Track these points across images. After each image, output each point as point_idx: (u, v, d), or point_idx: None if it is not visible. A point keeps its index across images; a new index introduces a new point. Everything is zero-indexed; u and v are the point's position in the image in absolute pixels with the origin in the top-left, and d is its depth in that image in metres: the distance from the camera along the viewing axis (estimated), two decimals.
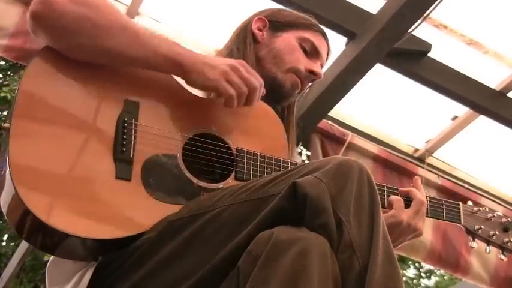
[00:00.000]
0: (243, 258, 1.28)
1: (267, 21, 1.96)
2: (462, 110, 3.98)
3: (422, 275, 14.44)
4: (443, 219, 1.86)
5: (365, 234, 1.29)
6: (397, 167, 3.83)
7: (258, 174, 1.67)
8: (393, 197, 1.75)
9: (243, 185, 1.45)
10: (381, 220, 1.34)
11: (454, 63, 3.62)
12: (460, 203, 1.90)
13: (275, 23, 1.96)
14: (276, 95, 1.89)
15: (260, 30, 1.95)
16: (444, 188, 3.86)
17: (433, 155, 4.16)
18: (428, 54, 3.52)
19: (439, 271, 13.76)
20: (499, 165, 4.48)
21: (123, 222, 1.48)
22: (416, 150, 4.18)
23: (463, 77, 3.65)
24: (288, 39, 1.92)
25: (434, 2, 2.97)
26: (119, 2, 3.50)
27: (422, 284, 14.59)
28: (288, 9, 2.01)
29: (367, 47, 3.17)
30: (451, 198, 3.76)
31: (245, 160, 1.67)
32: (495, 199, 4.11)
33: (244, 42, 1.92)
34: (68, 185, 1.46)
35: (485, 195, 4.10)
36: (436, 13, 3.22)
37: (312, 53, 1.93)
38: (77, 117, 1.54)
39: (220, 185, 1.62)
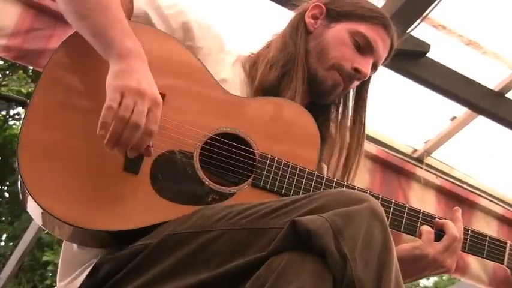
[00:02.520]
0: (251, 281, 1.25)
1: (324, 8, 1.81)
2: (461, 110, 3.99)
3: None
4: (482, 257, 1.72)
5: (372, 276, 1.20)
6: (396, 167, 3.83)
7: (277, 183, 1.59)
8: (424, 228, 1.64)
9: (247, 207, 1.38)
10: (394, 264, 1.25)
11: (453, 63, 3.62)
12: (508, 242, 1.76)
13: (332, 11, 1.80)
14: (316, 92, 1.78)
15: (316, 18, 1.81)
16: (443, 189, 3.86)
17: (431, 155, 4.17)
18: (427, 55, 3.52)
19: None
20: (498, 166, 4.48)
21: (121, 215, 1.47)
22: (415, 150, 4.18)
23: (462, 77, 3.65)
24: (338, 32, 1.77)
25: (433, 2, 2.98)
26: None
27: (420, 284, 14.60)
28: None
29: None
30: (450, 199, 3.82)
31: (266, 167, 1.58)
32: (494, 199, 4.11)
33: (296, 32, 1.80)
34: (74, 174, 1.47)
35: (484, 195, 4.10)
36: (435, 13, 3.22)
37: (365, 48, 1.77)
38: (94, 106, 1.51)
39: (233, 189, 1.56)
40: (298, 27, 1.81)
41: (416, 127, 4.33)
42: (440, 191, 3.84)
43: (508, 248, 1.75)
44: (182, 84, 1.60)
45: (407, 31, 3.16)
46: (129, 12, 1.63)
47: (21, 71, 11.07)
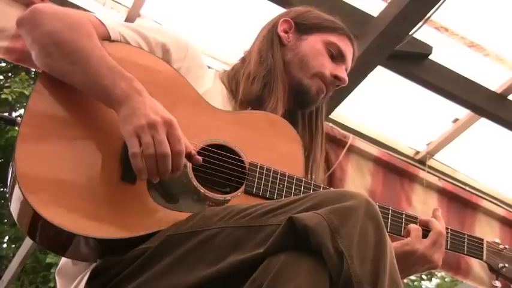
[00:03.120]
0: (248, 283, 1.27)
1: (292, 23, 1.94)
2: (463, 112, 3.99)
3: (423, 276, 14.45)
4: (463, 253, 1.82)
5: (368, 271, 1.23)
6: (398, 169, 3.82)
7: (269, 189, 1.65)
8: (411, 226, 1.73)
9: (245, 208, 1.42)
10: (388, 258, 1.28)
11: (455, 65, 3.62)
12: (484, 239, 1.86)
13: (301, 25, 1.94)
14: (301, 101, 1.90)
15: (286, 32, 1.93)
16: (445, 191, 3.85)
17: (434, 157, 4.16)
18: (429, 57, 3.52)
19: (440, 273, 13.76)
20: (500, 168, 4.48)
21: (120, 224, 1.48)
22: (418, 152, 4.18)
23: (464, 79, 3.65)
24: (313, 43, 1.90)
25: (436, 4, 2.98)
26: (120, 4, 3.50)
27: (423, 286, 14.60)
28: (314, 10, 1.99)
29: (368, 49, 3.17)
30: (452, 201, 3.82)
31: (257, 174, 1.65)
32: (496, 201, 4.12)
33: (272, 45, 1.91)
34: (73, 185, 1.48)
35: (486, 197, 4.10)
36: (437, 15, 3.22)
37: (338, 57, 1.91)
38: (88, 119, 1.54)
39: (228, 197, 1.61)
40: (273, 41, 1.92)
41: (418, 129, 4.33)
42: (443, 193, 3.84)
43: (485, 245, 1.85)
44: (169, 98, 1.63)
45: (410, 33, 3.16)
46: (103, 36, 1.63)
47: (23, 73, 11.10)
